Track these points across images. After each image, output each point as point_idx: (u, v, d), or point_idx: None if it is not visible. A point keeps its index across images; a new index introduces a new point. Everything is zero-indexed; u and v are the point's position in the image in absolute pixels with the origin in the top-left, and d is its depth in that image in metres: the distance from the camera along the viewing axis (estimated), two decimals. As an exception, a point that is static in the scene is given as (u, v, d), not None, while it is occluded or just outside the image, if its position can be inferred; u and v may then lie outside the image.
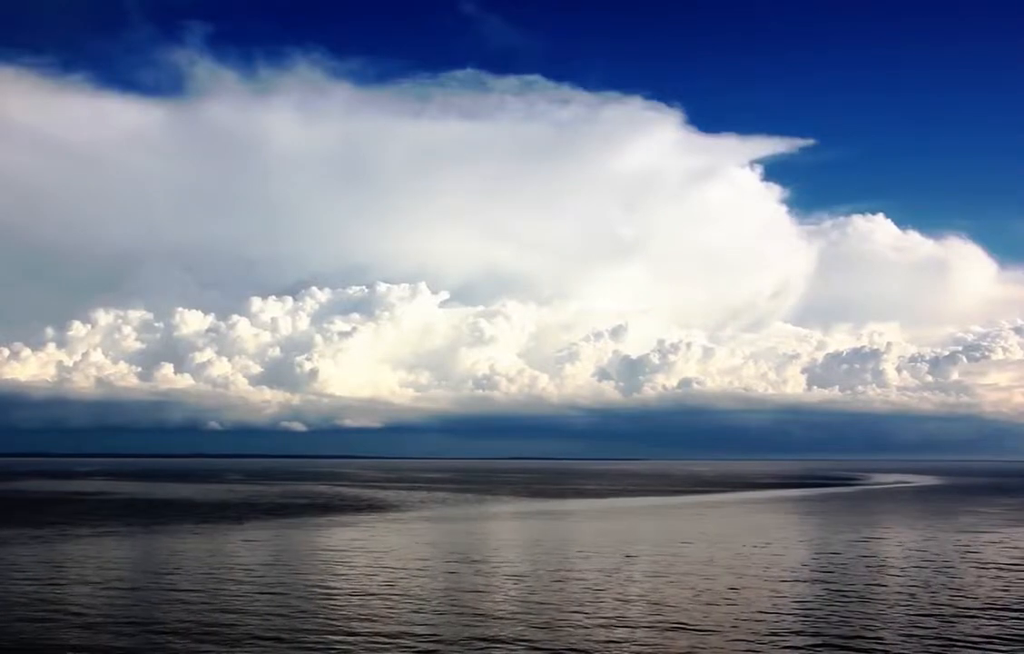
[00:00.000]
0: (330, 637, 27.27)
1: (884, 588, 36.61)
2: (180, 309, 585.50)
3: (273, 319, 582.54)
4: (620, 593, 35.03)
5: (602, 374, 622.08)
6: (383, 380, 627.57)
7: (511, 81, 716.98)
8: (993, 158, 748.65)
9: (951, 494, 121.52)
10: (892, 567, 43.00)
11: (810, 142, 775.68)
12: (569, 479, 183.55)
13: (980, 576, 40.01)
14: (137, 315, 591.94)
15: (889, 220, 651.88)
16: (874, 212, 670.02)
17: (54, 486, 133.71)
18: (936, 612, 31.47)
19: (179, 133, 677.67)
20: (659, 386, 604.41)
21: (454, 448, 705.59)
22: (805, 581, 38.46)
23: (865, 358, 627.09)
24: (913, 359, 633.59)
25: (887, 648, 26.25)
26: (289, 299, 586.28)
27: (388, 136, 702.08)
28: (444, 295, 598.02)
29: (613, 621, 29.72)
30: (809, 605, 32.70)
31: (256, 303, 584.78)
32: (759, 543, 53.43)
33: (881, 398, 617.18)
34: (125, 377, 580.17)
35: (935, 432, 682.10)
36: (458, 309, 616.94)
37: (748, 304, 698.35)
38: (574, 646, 26.38)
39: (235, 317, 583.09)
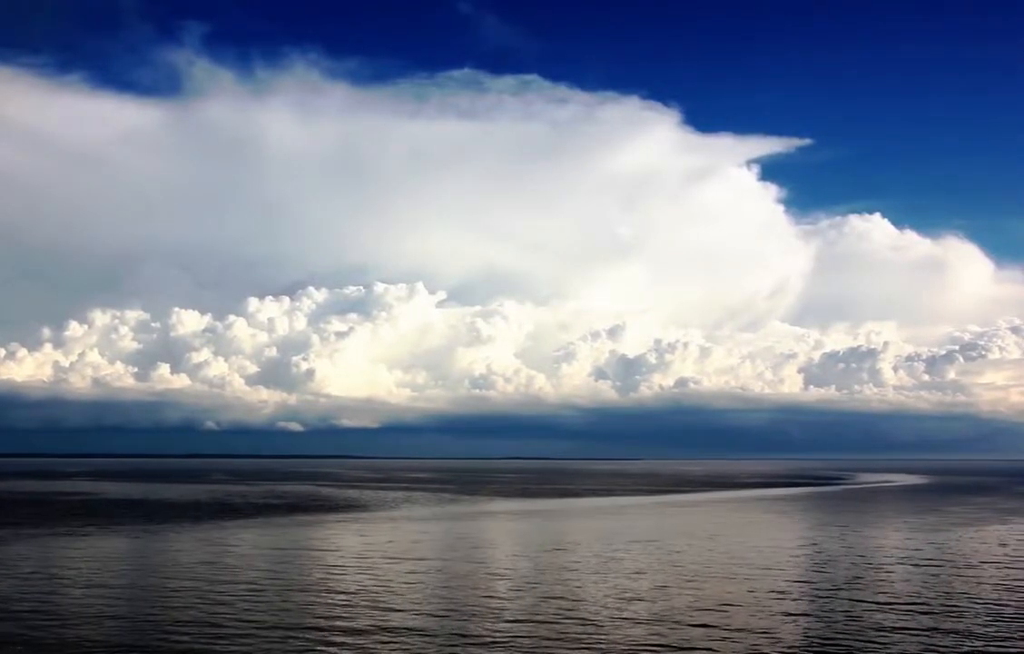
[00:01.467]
0: (220, 630, 27.67)
1: (808, 585, 36.92)
2: (177, 309, 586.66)
3: (270, 319, 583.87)
4: (543, 590, 35.36)
5: (599, 374, 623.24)
6: (380, 380, 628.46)
7: (508, 81, 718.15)
8: (990, 158, 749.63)
9: (929, 494, 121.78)
10: (828, 566, 43.19)
11: (807, 142, 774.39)
12: (556, 479, 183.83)
13: (910, 575, 40.30)
14: (134, 315, 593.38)
15: (886, 220, 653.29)
16: (871, 211, 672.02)
17: (34, 486, 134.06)
18: (848, 608, 31.81)
19: (176, 133, 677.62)
20: (656, 386, 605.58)
21: (451, 448, 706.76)
22: (733, 578, 38.74)
23: (862, 357, 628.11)
24: (910, 358, 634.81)
25: (780, 642, 26.58)
26: (286, 299, 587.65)
27: (385, 136, 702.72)
28: (441, 295, 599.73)
29: (521, 616, 30.10)
30: (726, 601, 32.99)
31: (253, 303, 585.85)
32: (708, 541, 53.80)
33: (878, 397, 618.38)
34: (121, 377, 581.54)
35: (932, 431, 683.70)
36: (455, 309, 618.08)
37: (745, 304, 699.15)
38: (471, 636, 26.73)
39: (232, 317, 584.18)
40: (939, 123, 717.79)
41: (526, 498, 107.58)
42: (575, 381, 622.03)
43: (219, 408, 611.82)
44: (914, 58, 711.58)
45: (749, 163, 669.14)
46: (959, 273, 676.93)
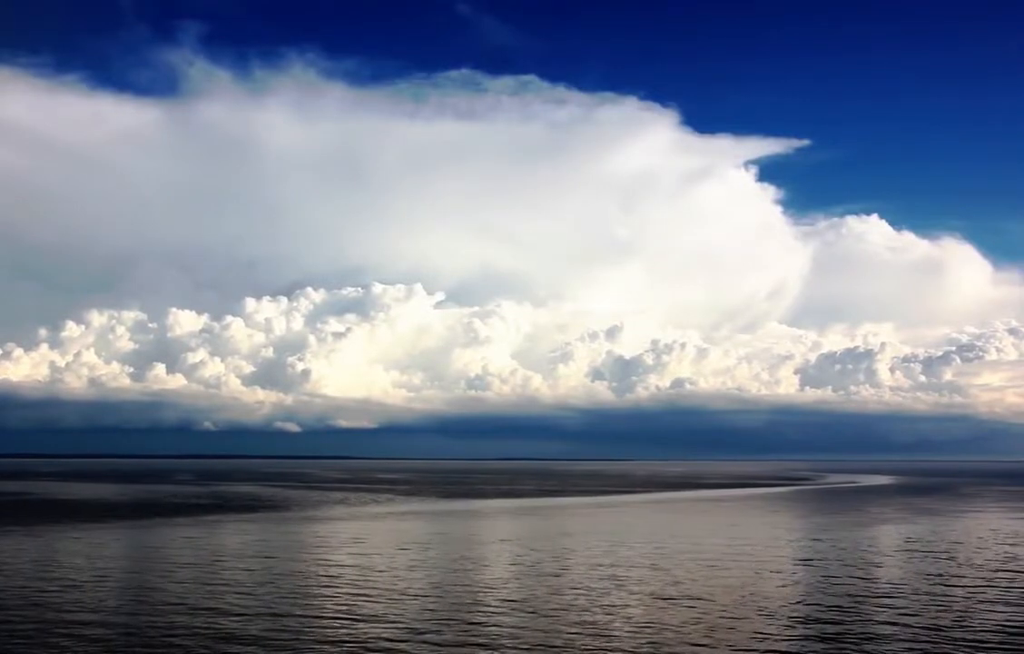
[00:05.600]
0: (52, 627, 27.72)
1: (687, 585, 36.69)
2: (174, 309, 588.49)
3: (267, 320, 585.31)
4: (359, 587, 35.52)
5: (595, 374, 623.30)
6: (376, 381, 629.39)
7: (507, 81, 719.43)
8: (987, 159, 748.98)
9: (876, 495, 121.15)
10: (720, 564, 42.92)
11: (805, 143, 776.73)
12: (524, 480, 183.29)
13: (799, 575, 40.16)
14: (131, 315, 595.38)
15: (884, 221, 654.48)
16: (869, 213, 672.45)
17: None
18: (683, 601, 31.74)
19: (174, 133, 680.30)
20: (652, 387, 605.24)
21: (447, 449, 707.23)
22: (607, 578, 38.49)
23: (859, 358, 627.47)
24: (907, 359, 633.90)
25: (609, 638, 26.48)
26: (283, 300, 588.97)
27: (383, 136, 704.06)
28: (439, 296, 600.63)
29: (338, 616, 30.28)
30: (596, 596, 33.02)
31: (250, 304, 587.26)
32: (577, 540, 53.68)
33: (875, 399, 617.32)
34: (118, 378, 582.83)
35: (929, 432, 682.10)
36: (453, 310, 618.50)
37: (743, 305, 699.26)
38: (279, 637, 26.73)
39: (229, 318, 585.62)
40: (937, 125, 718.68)
41: (467, 499, 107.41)
42: (571, 382, 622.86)
43: (215, 408, 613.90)
44: (912, 60, 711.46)
45: (747, 164, 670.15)
46: (957, 274, 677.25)
